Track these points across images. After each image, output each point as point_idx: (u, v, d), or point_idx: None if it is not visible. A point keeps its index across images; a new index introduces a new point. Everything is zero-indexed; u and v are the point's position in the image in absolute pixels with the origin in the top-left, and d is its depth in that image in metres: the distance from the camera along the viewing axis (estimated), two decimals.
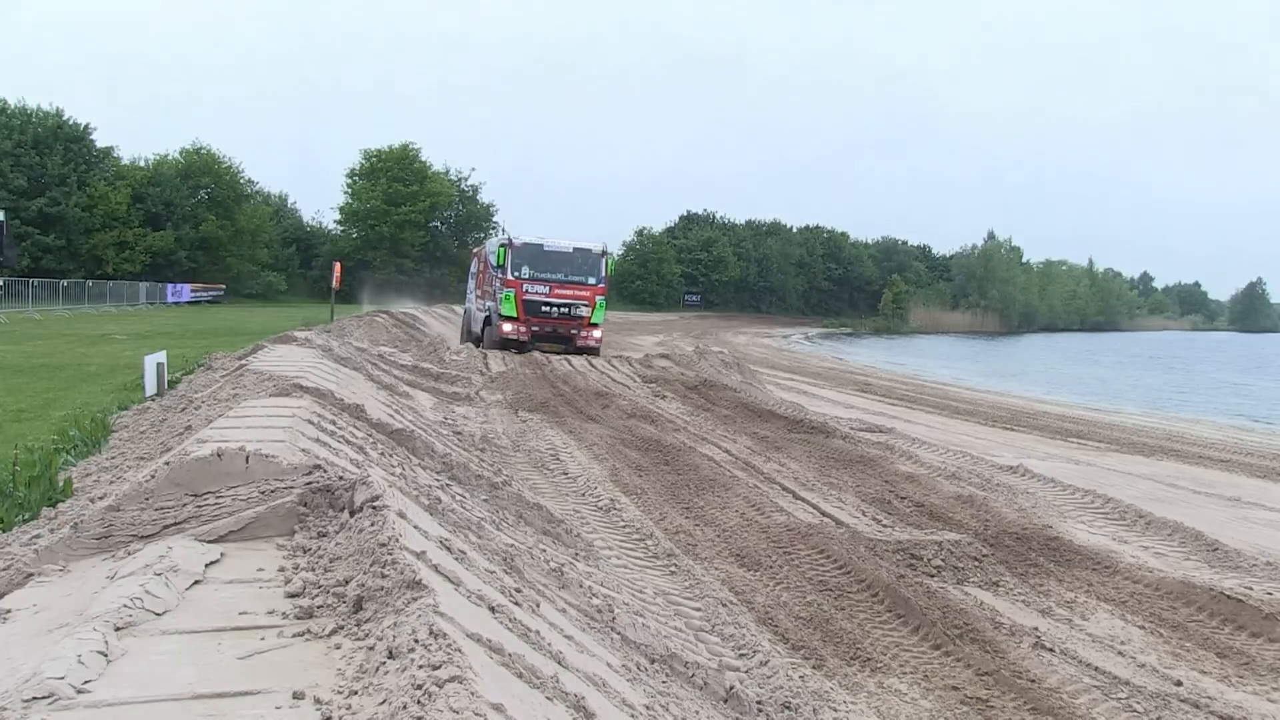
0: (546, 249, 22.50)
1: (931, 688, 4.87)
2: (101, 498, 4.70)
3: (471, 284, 27.46)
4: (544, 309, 22.12)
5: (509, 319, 22.01)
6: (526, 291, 22.02)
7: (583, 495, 7.99)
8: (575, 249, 22.75)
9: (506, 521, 5.78)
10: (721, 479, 9.01)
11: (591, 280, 22.70)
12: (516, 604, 3.40)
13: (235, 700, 2.20)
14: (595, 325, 22.68)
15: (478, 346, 22.51)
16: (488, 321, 23.46)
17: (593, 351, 22.20)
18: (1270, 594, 6.40)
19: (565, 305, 22.25)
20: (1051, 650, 5.41)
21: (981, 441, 12.83)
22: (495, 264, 22.38)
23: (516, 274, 22.08)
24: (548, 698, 2.52)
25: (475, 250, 29.56)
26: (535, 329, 21.99)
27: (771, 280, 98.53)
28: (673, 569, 6.20)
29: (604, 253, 23.24)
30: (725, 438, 11.26)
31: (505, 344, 22.04)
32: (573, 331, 22.35)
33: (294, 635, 2.60)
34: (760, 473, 9.43)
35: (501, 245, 22.47)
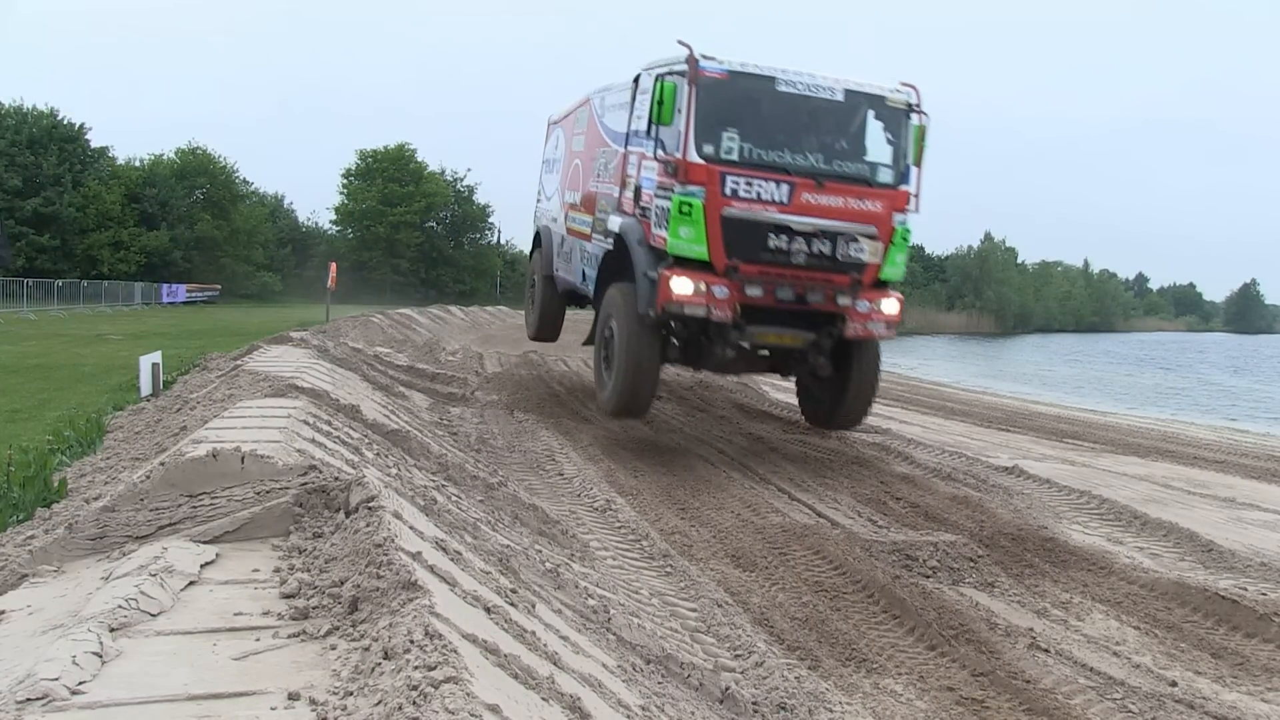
0: (782, 88, 9.02)
1: (927, 688, 4.88)
2: (96, 498, 4.70)
3: (552, 180, 13.62)
4: (781, 243, 8.92)
5: (689, 265, 8.85)
6: (736, 196, 8.79)
7: (578, 496, 7.99)
8: (846, 93, 9.22)
9: (502, 522, 5.78)
10: (717, 480, 9.02)
11: (882, 174, 9.39)
12: (512, 605, 3.40)
13: (230, 701, 2.19)
14: (885, 286, 9.49)
15: (587, 342, 11.23)
16: (611, 267, 10.24)
17: (870, 369, 10.05)
18: (1264, 594, 6.41)
19: (826, 234, 9.01)
20: (1047, 651, 5.42)
21: (977, 442, 12.85)
22: (652, 121, 8.93)
23: (708, 149, 8.82)
24: (543, 698, 2.53)
25: (557, 122, 14.01)
26: (757, 291, 8.96)
27: None
28: (668, 570, 6.20)
29: (910, 108, 9.45)
30: (721, 438, 11.26)
31: (667, 335, 9.54)
32: (837, 300, 9.19)
33: (289, 636, 2.60)
34: (756, 474, 9.44)
35: (667, 76, 9.00)
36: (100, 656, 2.33)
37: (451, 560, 3.53)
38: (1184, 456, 12.75)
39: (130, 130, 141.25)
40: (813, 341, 9.27)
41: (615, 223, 9.97)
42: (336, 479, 3.69)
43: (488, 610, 3.06)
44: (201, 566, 3.10)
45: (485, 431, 10.40)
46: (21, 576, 3.26)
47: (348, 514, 3.44)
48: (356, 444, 6.00)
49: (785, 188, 8.80)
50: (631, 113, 9.94)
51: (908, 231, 9.40)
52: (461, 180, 74.77)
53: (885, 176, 9.30)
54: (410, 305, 42.47)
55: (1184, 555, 7.51)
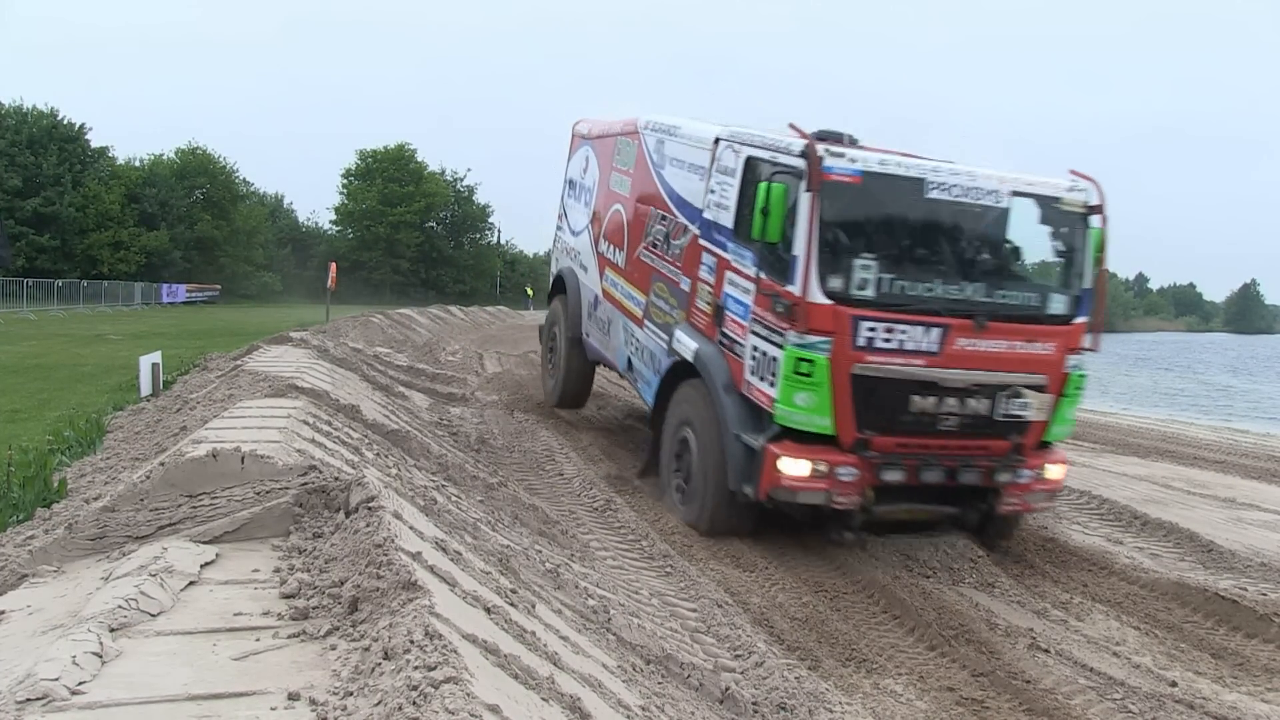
0: (933, 193, 6.46)
1: (927, 689, 4.88)
2: (96, 498, 4.70)
3: (580, 211, 11.08)
4: (927, 405, 6.48)
5: (802, 436, 6.50)
6: (872, 348, 6.31)
7: (578, 496, 7.99)
8: (1013, 196, 6.70)
9: (502, 522, 5.78)
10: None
11: (1054, 303, 6.85)
12: (512, 605, 3.40)
13: (230, 701, 2.19)
14: (1048, 449, 7.08)
15: (645, 473, 8.65)
16: (680, 377, 7.89)
17: (1005, 528, 7.44)
18: (1264, 595, 6.41)
19: (984, 389, 6.58)
20: (1047, 651, 5.42)
21: None
22: (755, 235, 6.56)
23: (836, 283, 6.29)
24: (543, 698, 2.53)
25: (589, 138, 11.22)
26: (896, 474, 6.52)
27: None
28: (668, 570, 6.20)
29: (1088, 210, 6.91)
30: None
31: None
32: (995, 476, 6.74)
33: (289, 636, 2.60)
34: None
35: (773, 173, 6.68)
36: (100, 656, 2.33)
37: (451, 560, 3.53)
38: (1184, 457, 12.74)
39: (130, 130, 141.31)
40: (954, 516, 7.03)
41: (688, 346, 7.59)
42: (336, 479, 3.69)
43: (488, 610, 3.06)
44: (201, 566, 3.10)
45: (485, 431, 10.40)
46: (21, 576, 3.26)
47: (348, 514, 3.44)
48: (356, 444, 6.00)
49: (936, 333, 6.30)
50: (708, 188, 7.63)
51: (1082, 378, 6.92)
52: (461, 180, 74.80)
53: (1058, 306, 6.79)
54: (410, 305, 42.46)
55: (1184, 555, 7.51)
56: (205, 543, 3.33)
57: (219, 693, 2.23)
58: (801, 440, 6.43)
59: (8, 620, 2.84)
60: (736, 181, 7.21)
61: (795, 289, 6.27)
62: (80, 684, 2.18)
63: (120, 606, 2.62)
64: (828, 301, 6.22)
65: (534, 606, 3.62)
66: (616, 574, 5.94)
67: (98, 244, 51.27)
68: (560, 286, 11.53)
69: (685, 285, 7.88)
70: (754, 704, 4.05)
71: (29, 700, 2.07)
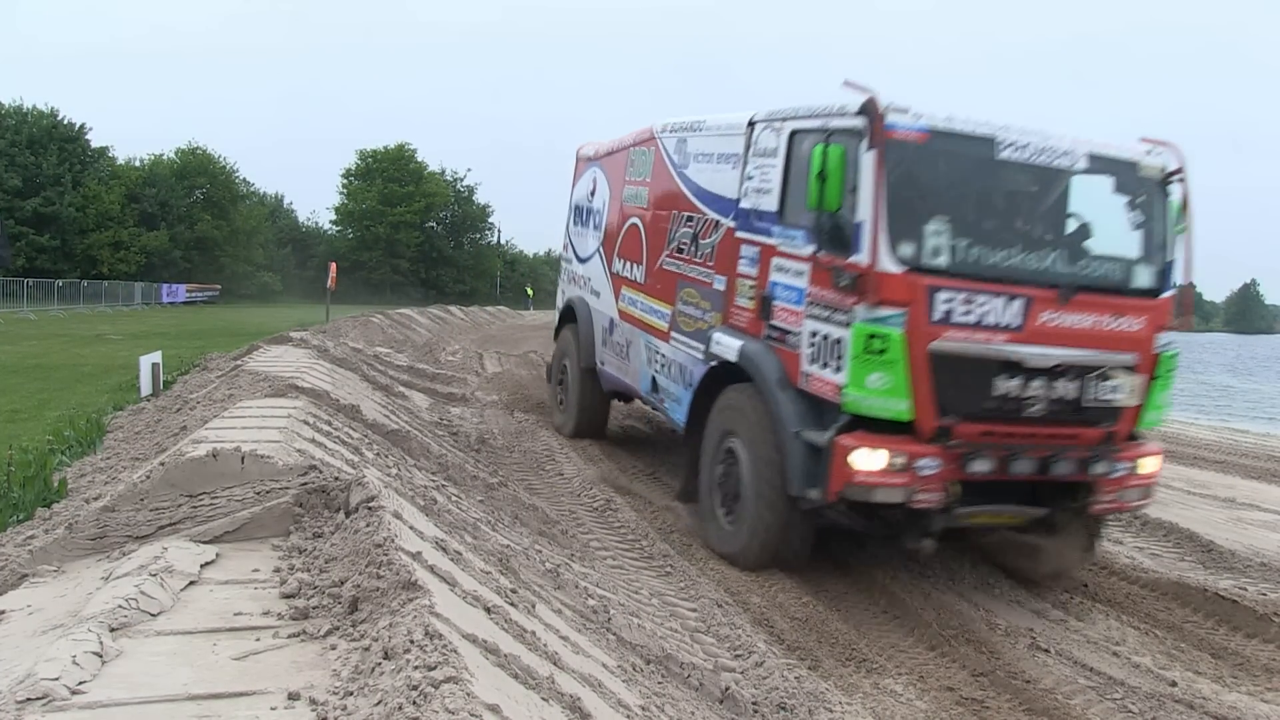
0: (1005, 153, 5.95)
1: (927, 689, 4.88)
2: (96, 498, 4.70)
3: (589, 237, 10.66)
4: (1012, 388, 5.82)
5: (875, 425, 5.80)
6: (950, 321, 5.71)
7: (578, 496, 7.99)
8: (1091, 159, 6.18)
9: (502, 522, 5.79)
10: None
11: (1139, 275, 6.36)
12: (512, 605, 3.40)
13: (230, 701, 2.20)
14: (1138, 441, 6.38)
15: (685, 498, 7.65)
16: (716, 386, 7.18)
17: (1089, 543, 6.79)
18: (1264, 595, 6.42)
19: (1073, 371, 5.94)
20: (1047, 651, 5.42)
21: None
22: (811, 205, 5.92)
23: (908, 249, 5.72)
24: (543, 698, 2.53)
25: (596, 159, 10.75)
26: (984, 465, 5.81)
27: None
28: (668, 570, 6.20)
29: (1167, 176, 6.42)
30: None
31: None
32: (1090, 469, 6.05)
33: (289, 636, 2.60)
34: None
35: (828, 136, 6.00)
36: (100, 656, 2.33)
37: (451, 560, 3.53)
38: (1184, 457, 12.74)
39: (130, 130, 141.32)
40: (1040, 519, 6.27)
41: (729, 346, 6.94)
42: (336, 479, 3.69)
43: (488, 610, 3.06)
44: (201, 566, 3.10)
45: (485, 431, 10.40)
46: (21, 576, 3.26)
47: (348, 514, 3.44)
48: (356, 444, 6.01)
49: (1019, 305, 5.80)
50: (744, 176, 7.10)
51: (1174, 359, 6.43)
52: (461, 180, 74.81)
53: (1144, 278, 6.30)
54: (410, 305, 42.46)
55: (1184, 555, 7.52)
56: (205, 543, 3.33)
57: (219, 692, 2.23)
58: (874, 431, 5.76)
59: (8, 620, 2.84)
60: (780, 161, 6.66)
61: (862, 258, 5.66)
62: (80, 684, 2.18)
63: (120, 606, 2.62)
64: (900, 269, 5.61)
65: (534, 606, 3.62)
66: (616, 574, 5.94)
67: (98, 244, 51.27)
68: (569, 317, 10.89)
69: (719, 285, 7.32)
70: (754, 704, 4.05)
71: (29, 700, 2.07)
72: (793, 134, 6.58)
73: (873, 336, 5.65)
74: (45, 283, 38.19)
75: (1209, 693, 5.02)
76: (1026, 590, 6.51)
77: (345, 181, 70.53)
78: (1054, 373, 5.87)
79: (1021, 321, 5.80)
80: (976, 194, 6.15)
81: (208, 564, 3.14)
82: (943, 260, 5.73)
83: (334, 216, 71.57)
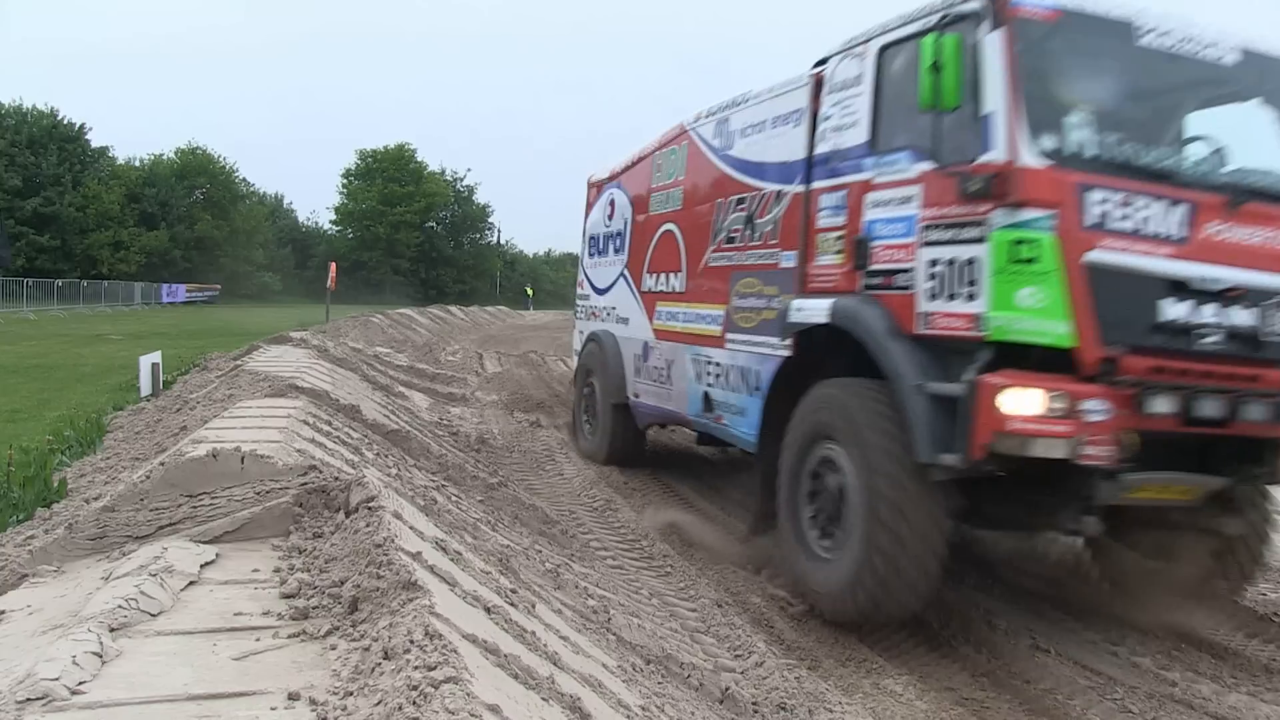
0: (1147, 40, 5.18)
1: (927, 689, 4.87)
2: (96, 498, 4.70)
3: (608, 266, 10.22)
4: (1180, 314, 4.85)
5: (1022, 363, 4.78)
6: (1105, 228, 4.79)
7: (578, 496, 7.99)
8: (1245, 54, 5.38)
9: (502, 522, 5.79)
10: (717, 481, 9.02)
11: None
12: (512, 605, 3.41)
13: (230, 701, 2.19)
14: None
15: (760, 528, 6.57)
16: (791, 385, 6.26)
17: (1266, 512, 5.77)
18: (1264, 595, 6.41)
19: (1250, 296, 4.96)
20: (1047, 651, 5.42)
21: None
22: (927, 102, 5.05)
23: (1050, 141, 4.85)
24: (543, 698, 2.53)
25: (613, 178, 10.35)
26: (1164, 405, 4.75)
27: None
28: (668, 570, 6.20)
29: None
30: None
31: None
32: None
33: (289, 636, 2.60)
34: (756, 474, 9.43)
35: (941, 28, 5.17)
36: (100, 656, 2.33)
37: (451, 560, 3.53)
38: None
39: (130, 130, 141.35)
40: (1216, 493, 5.14)
41: (814, 310, 6.07)
42: (336, 479, 3.69)
43: (488, 610, 3.06)
44: (201, 566, 3.10)
45: (485, 431, 10.41)
46: (21, 576, 3.26)
47: (348, 514, 3.44)
48: (356, 444, 6.01)
49: (1181, 212, 4.92)
50: (820, 119, 6.40)
51: None
52: (461, 180, 74.86)
53: None
54: (410, 305, 42.47)
55: None
56: (205, 543, 3.33)
57: (219, 693, 2.23)
58: (1022, 367, 4.76)
59: (8, 620, 2.84)
60: (867, 86, 5.92)
61: (997, 154, 4.84)
62: (80, 684, 2.18)
63: (120, 606, 2.62)
64: (1044, 163, 4.78)
65: (534, 606, 3.62)
66: (616, 574, 5.94)
67: (98, 244, 51.33)
68: (591, 356, 10.13)
69: (789, 260, 6.55)
70: (754, 704, 4.05)
71: (29, 700, 2.07)
72: (882, 50, 5.86)
73: (1019, 243, 4.76)
74: (45, 283, 38.23)
75: (1209, 693, 5.02)
76: (1026, 590, 6.50)
77: (345, 181, 70.65)
78: (1225, 297, 4.93)
79: (1186, 233, 4.91)
80: (1115, 82, 5.35)
81: (208, 564, 3.14)
82: (1091, 155, 4.92)
83: (334, 216, 71.71)
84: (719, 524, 7.47)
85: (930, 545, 5.04)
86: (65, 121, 53.10)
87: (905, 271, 5.40)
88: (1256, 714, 4.83)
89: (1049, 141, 4.82)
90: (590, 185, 10.90)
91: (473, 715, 2.01)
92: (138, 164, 58.84)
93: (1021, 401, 4.62)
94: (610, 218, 10.15)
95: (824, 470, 5.68)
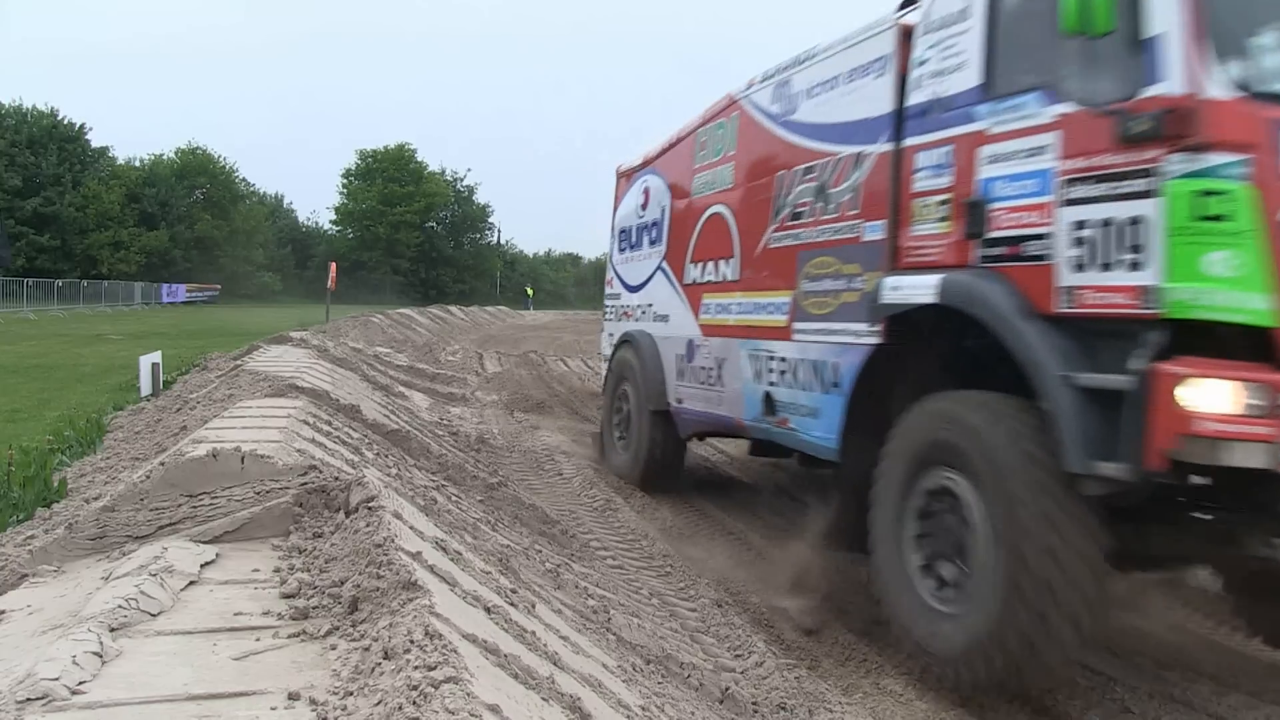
0: None
1: (927, 689, 4.87)
2: (96, 498, 4.70)
3: (643, 260, 9.35)
4: None
5: (1204, 349, 3.81)
6: None
7: (578, 496, 7.99)
8: None
9: (502, 522, 5.79)
10: (717, 481, 9.02)
11: None
12: (512, 605, 3.40)
13: (230, 701, 2.19)
14: None
15: (838, 543, 6.05)
16: (878, 385, 5.47)
17: None
18: None
19: None
20: None
21: None
22: (1073, 28, 4.02)
23: (1237, 69, 3.85)
24: (544, 698, 2.53)
25: (647, 164, 9.51)
26: None
27: None
28: (668, 570, 6.20)
29: None
30: (722, 440, 11.27)
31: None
32: None
33: (289, 636, 2.60)
34: (756, 474, 9.44)
35: None
36: (100, 656, 2.33)
37: (451, 560, 3.53)
38: None
39: (130, 130, 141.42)
40: None
41: (918, 287, 5.11)
42: (336, 479, 3.69)
43: (488, 610, 3.06)
44: (201, 566, 3.10)
45: (485, 431, 10.41)
46: (21, 576, 3.26)
47: (348, 514, 3.44)
48: (356, 444, 6.01)
49: None
50: (912, 66, 5.44)
51: None
52: (461, 180, 74.89)
53: None
54: (410, 305, 42.48)
55: None
56: (205, 543, 3.33)
57: (219, 692, 2.23)
58: (1201, 354, 3.87)
59: (8, 620, 2.84)
60: (978, 17, 4.93)
61: (1170, 85, 3.92)
62: (80, 684, 2.18)
63: (120, 606, 2.62)
64: (1235, 94, 3.85)
65: (534, 606, 3.62)
66: (616, 574, 5.94)
67: (98, 244, 51.36)
68: (624, 361, 9.32)
69: (874, 232, 5.60)
70: (754, 704, 4.05)
71: (29, 700, 2.07)
72: None
73: (1204, 194, 3.81)
74: (45, 283, 38.24)
75: (1209, 693, 5.02)
76: None
77: (345, 181, 70.70)
78: None
79: None
80: None
81: (208, 564, 3.14)
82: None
83: (334, 216, 71.74)
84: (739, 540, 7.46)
85: (1085, 596, 4.15)
86: (65, 121, 53.14)
87: (1039, 238, 4.46)
88: (1256, 714, 4.83)
89: (1239, 68, 3.93)
90: (619, 175, 10.11)
91: (473, 715, 2.00)
92: (138, 164, 58.89)
93: (1212, 396, 3.76)
94: (644, 207, 9.30)
95: (938, 505, 4.75)
